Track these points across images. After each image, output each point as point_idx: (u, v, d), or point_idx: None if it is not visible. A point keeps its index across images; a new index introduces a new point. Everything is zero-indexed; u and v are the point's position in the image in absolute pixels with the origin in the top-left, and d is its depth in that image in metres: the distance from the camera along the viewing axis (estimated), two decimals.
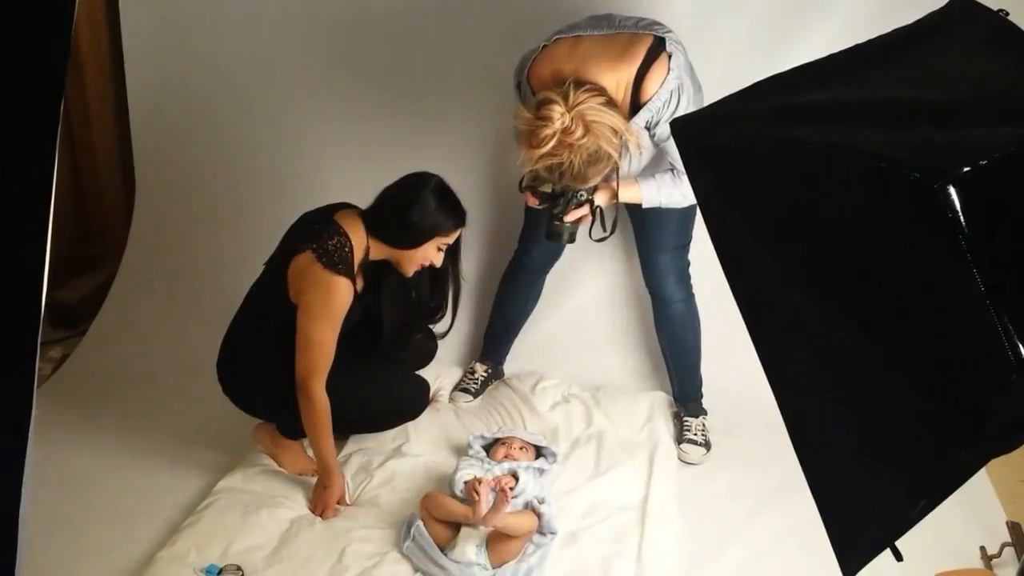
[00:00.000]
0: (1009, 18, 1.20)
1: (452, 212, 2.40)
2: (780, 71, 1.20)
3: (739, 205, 1.16)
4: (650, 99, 2.34)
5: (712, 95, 1.26)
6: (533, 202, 2.55)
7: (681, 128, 1.22)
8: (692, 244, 2.77)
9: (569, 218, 2.48)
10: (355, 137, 3.26)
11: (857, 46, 1.22)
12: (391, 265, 2.44)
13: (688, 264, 2.81)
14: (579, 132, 2.23)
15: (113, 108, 3.49)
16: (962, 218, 0.89)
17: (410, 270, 2.43)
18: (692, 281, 2.83)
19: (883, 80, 1.16)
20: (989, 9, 1.22)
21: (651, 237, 2.77)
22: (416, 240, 2.38)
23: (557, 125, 2.22)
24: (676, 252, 2.77)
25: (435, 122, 3.15)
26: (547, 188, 2.48)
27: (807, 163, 1.05)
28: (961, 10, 1.24)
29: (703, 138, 1.19)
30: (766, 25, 2.87)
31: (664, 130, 2.38)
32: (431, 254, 2.41)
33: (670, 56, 2.35)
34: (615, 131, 2.27)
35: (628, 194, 2.51)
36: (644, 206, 2.53)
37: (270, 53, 3.25)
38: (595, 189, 2.47)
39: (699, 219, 2.66)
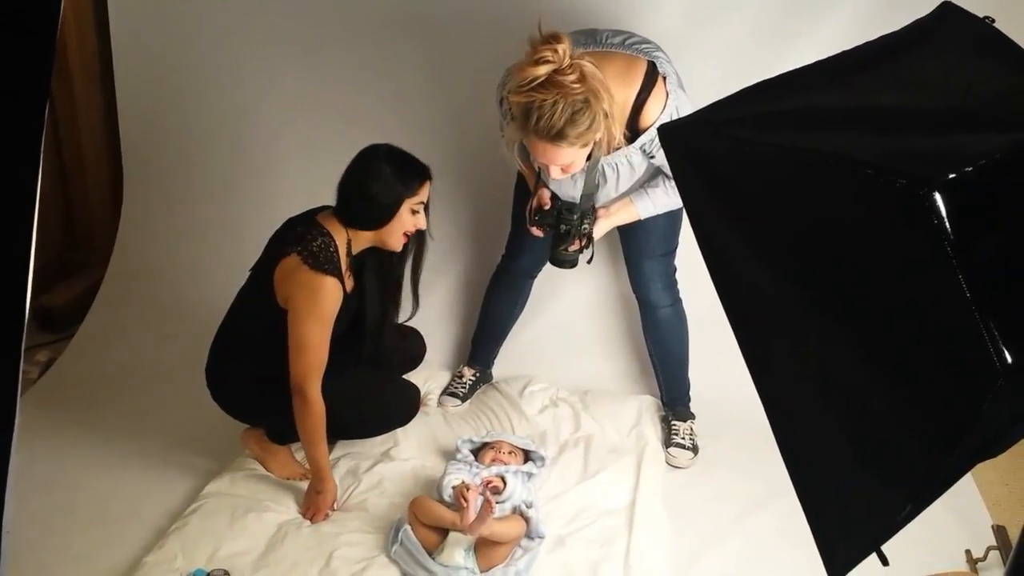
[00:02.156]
0: (995, 25, 1.21)
1: (411, 171, 2.36)
2: (769, 77, 1.20)
3: (726, 211, 1.16)
4: (651, 125, 2.36)
5: (702, 101, 1.26)
6: (538, 234, 2.57)
7: (669, 134, 1.21)
8: (679, 249, 2.78)
9: (573, 248, 2.52)
10: (344, 142, 3.22)
11: (844, 52, 1.22)
12: (368, 257, 2.43)
13: (675, 270, 2.81)
14: (574, 76, 2.16)
15: (101, 111, 3.48)
16: (947, 224, 0.89)
17: (397, 244, 2.41)
18: (679, 286, 2.84)
19: (870, 86, 1.16)
20: (976, 16, 1.22)
21: (638, 243, 2.77)
22: (388, 213, 2.35)
23: (561, 53, 2.15)
24: (663, 258, 2.77)
25: (423, 128, 3.15)
26: (551, 220, 2.51)
27: (794, 169, 1.06)
28: (948, 17, 1.25)
29: (690, 144, 1.19)
30: (756, 31, 2.88)
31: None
32: (408, 219, 2.37)
33: (665, 79, 2.36)
34: (606, 112, 2.22)
35: (625, 216, 2.56)
36: (642, 218, 2.56)
37: (259, 57, 3.24)
38: (595, 219, 2.50)
39: (686, 224, 2.67)
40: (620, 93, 2.31)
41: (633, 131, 2.39)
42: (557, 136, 2.21)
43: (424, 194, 2.38)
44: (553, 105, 2.16)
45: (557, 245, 2.53)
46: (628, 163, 2.45)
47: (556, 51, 2.15)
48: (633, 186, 2.55)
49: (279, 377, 2.36)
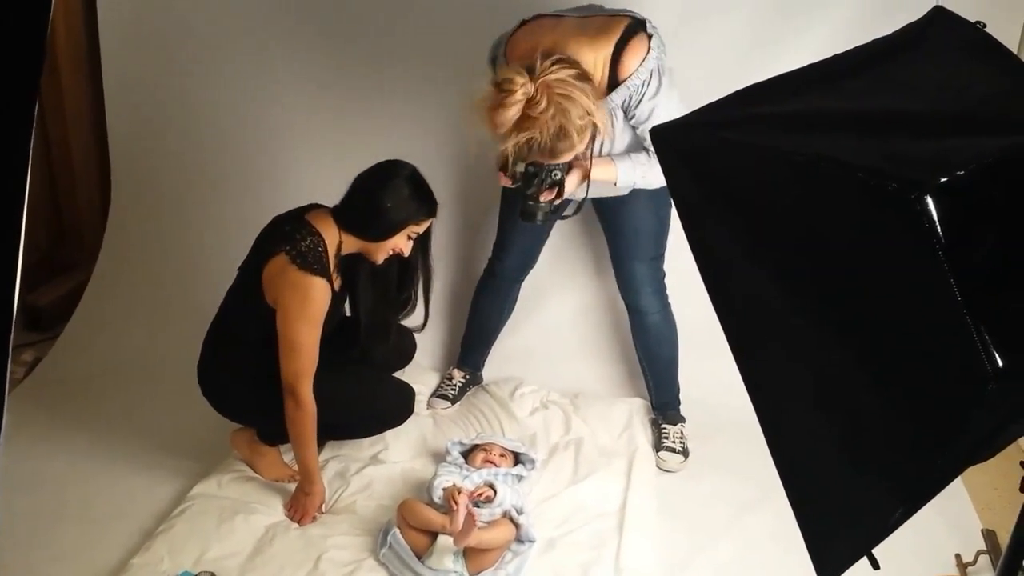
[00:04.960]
0: (986, 30, 1.21)
1: (425, 201, 2.39)
2: (763, 79, 1.20)
3: (718, 213, 1.16)
4: (629, 76, 2.32)
5: (697, 100, 1.26)
6: (506, 182, 2.46)
7: (660, 136, 1.21)
8: (668, 251, 2.76)
9: (544, 198, 2.41)
10: (333, 141, 3.24)
11: (837, 56, 1.22)
12: (362, 258, 2.43)
13: (663, 275, 2.80)
14: (543, 104, 2.16)
15: (89, 109, 3.47)
16: (939, 228, 0.89)
17: (380, 258, 2.41)
18: (669, 288, 2.83)
19: (862, 90, 1.16)
20: (967, 21, 1.23)
21: (626, 246, 2.76)
22: (389, 229, 2.36)
23: (519, 97, 2.16)
24: (652, 263, 2.76)
25: (414, 128, 3.14)
26: (520, 167, 2.40)
27: (786, 173, 1.06)
28: (940, 21, 1.25)
29: (683, 146, 1.19)
30: (752, 31, 2.88)
31: (644, 111, 2.36)
32: (401, 243, 2.39)
33: (650, 36, 2.33)
34: (586, 111, 2.21)
35: (602, 173, 2.44)
36: (618, 184, 2.46)
37: (248, 53, 3.23)
38: (569, 168, 2.40)
39: (674, 228, 2.67)
40: (600, 48, 2.30)
41: (612, 84, 2.35)
42: (552, 155, 2.28)
43: (424, 227, 2.42)
44: (539, 137, 2.21)
45: (525, 191, 2.40)
46: (610, 117, 2.38)
47: (513, 93, 2.16)
48: (614, 149, 2.48)
49: (270, 376, 2.35)
